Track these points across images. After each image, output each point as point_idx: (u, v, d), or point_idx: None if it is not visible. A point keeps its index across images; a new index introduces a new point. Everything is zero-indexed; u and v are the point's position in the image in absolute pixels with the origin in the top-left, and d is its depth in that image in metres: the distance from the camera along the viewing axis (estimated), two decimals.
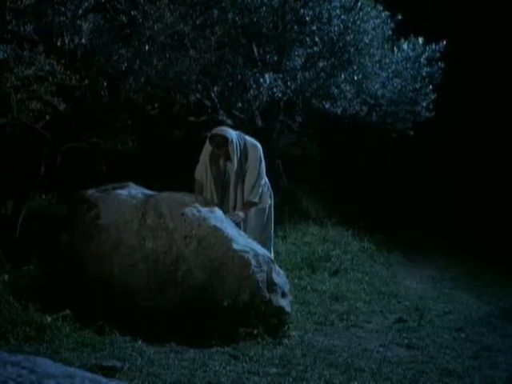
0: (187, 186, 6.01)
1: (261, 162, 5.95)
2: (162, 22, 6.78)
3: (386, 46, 9.57)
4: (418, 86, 9.95)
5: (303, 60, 8.85)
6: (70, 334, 4.72)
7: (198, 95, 8.46)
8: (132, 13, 6.86)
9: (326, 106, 9.19)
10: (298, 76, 8.73)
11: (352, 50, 8.92)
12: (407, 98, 9.96)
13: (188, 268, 5.21)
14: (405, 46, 9.70)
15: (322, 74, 8.93)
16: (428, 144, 11.97)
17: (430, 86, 9.99)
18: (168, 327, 4.89)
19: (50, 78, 5.83)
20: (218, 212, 5.56)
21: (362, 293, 7.03)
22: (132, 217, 5.40)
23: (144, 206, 5.44)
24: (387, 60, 9.51)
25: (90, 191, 5.73)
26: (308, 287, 6.93)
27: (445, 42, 9.74)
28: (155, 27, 6.77)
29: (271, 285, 5.27)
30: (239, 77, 8.57)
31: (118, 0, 7.02)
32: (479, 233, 10.26)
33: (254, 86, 8.46)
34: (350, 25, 8.79)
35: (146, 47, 6.89)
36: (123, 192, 5.65)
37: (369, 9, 9.07)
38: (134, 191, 5.69)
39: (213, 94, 8.77)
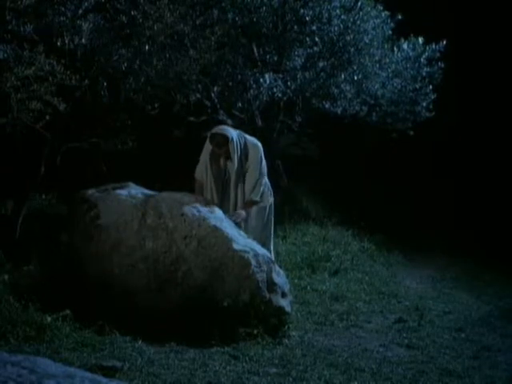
0: (187, 186, 6.01)
1: (261, 160, 5.95)
2: (162, 22, 6.77)
3: (385, 46, 9.57)
4: (418, 86, 9.95)
5: (303, 60, 8.85)
6: (70, 333, 4.72)
7: (198, 95, 8.46)
8: (132, 13, 6.86)
9: (326, 106, 9.19)
10: (298, 76, 8.73)
11: (352, 50, 8.92)
12: (407, 98, 9.96)
13: (188, 268, 5.21)
14: (405, 46, 9.70)
15: (321, 74, 8.92)
16: (428, 144, 11.97)
17: (430, 86, 9.99)
18: (168, 327, 4.89)
19: (50, 78, 5.83)
20: (218, 212, 5.56)
21: (362, 293, 7.03)
22: (132, 217, 5.40)
23: (144, 206, 5.44)
24: (387, 60, 9.51)
25: (90, 191, 5.73)
26: (308, 287, 6.93)
27: (445, 42, 9.74)
28: (155, 27, 6.77)
29: (271, 285, 5.27)
30: (239, 77, 8.57)
31: (117, 0, 7.02)
32: (479, 233, 10.26)
33: (254, 86, 8.46)
34: (350, 25, 8.78)
35: (146, 47, 6.88)
36: (123, 192, 5.64)
37: (369, 9, 9.07)
38: (133, 191, 5.69)
39: (213, 94, 8.77)
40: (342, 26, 8.74)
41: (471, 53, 12.14)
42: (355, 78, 9.04)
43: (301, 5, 8.55)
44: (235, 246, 5.24)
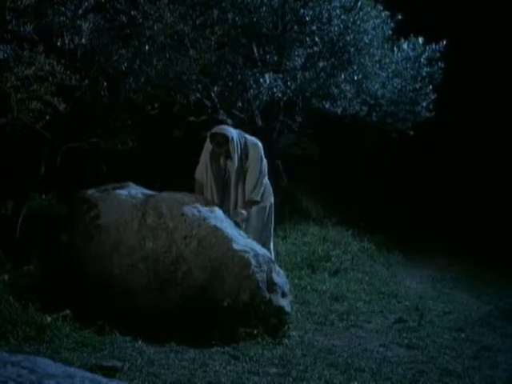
0: (187, 186, 6.01)
1: (262, 160, 5.94)
2: (162, 22, 6.77)
3: (385, 46, 9.57)
4: (418, 86, 9.95)
5: (303, 60, 8.85)
6: (70, 333, 4.72)
7: (198, 95, 8.46)
8: (132, 13, 6.86)
9: (326, 105, 9.19)
10: (298, 76, 8.73)
11: (352, 49, 8.92)
12: (407, 98, 9.97)
13: (188, 268, 5.21)
14: (405, 46, 9.70)
15: (322, 74, 8.92)
16: (428, 144, 11.98)
17: (430, 86, 9.99)
18: (168, 327, 4.89)
19: (50, 78, 5.82)
20: (218, 212, 5.56)
21: (362, 293, 7.03)
22: (132, 217, 5.40)
23: (144, 206, 5.44)
24: (387, 60, 9.51)
25: (90, 191, 5.73)
26: (308, 287, 6.93)
27: (445, 42, 9.75)
28: (155, 27, 6.77)
29: (271, 285, 5.27)
30: (239, 77, 8.57)
31: (117, 0, 7.02)
32: (479, 233, 10.26)
33: (254, 85, 8.46)
34: (350, 25, 8.79)
35: (146, 47, 6.88)
36: (123, 192, 5.64)
37: (369, 9, 9.07)
38: (133, 191, 5.68)
39: (213, 94, 8.77)
40: (341, 25, 8.74)
41: (471, 53, 12.14)
42: (355, 78, 9.04)
43: (301, 5, 8.55)
44: (235, 246, 5.24)
